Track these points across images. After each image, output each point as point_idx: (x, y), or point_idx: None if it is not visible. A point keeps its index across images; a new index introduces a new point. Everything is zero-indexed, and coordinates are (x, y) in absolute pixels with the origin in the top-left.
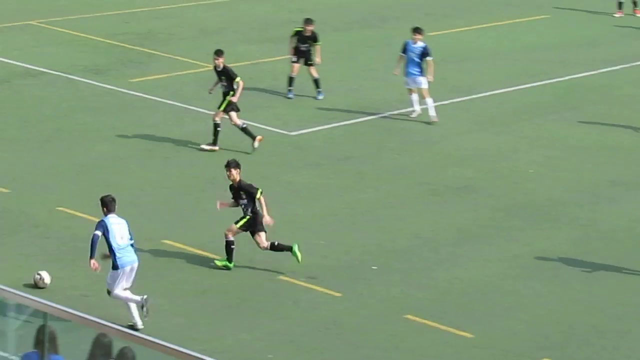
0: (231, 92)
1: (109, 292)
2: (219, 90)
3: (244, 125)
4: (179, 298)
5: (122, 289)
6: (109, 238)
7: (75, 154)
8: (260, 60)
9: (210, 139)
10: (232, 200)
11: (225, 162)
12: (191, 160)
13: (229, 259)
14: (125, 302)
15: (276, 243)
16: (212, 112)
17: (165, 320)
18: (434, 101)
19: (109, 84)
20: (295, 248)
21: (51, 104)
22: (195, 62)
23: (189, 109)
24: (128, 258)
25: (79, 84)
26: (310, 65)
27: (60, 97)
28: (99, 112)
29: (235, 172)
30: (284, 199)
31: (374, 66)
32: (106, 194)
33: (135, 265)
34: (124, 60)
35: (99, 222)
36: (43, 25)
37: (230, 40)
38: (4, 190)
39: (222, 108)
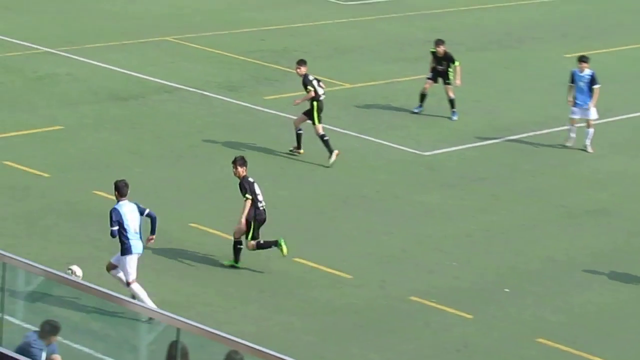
0: (315, 102)
1: (127, 284)
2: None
3: (326, 138)
4: (310, 316)
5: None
6: (123, 225)
7: (209, 171)
8: (396, 80)
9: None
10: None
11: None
12: (324, 178)
13: (236, 259)
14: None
15: (261, 241)
16: (346, 131)
17: (296, 338)
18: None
19: (243, 101)
20: (282, 241)
21: (185, 120)
22: (330, 80)
23: (324, 127)
24: (138, 246)
25: (213, 101)
26: (448, 84)
27: (195, 114)
28: (232, 129)
29: (241, 170)
30: (416, 219)
31: (509, 87)
32: (120, 179)
33: (140, 254)
34: (258, 77)
35: (113, 212)
36: (179, 41)
37: (365, 59)
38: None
39: (316, 121)
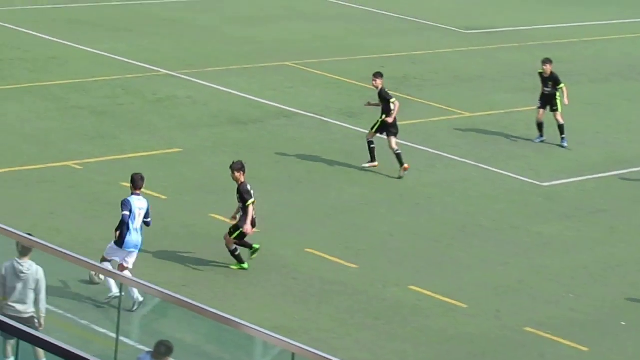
0: (384, 115)
1: (102, 260)
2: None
3: (399, 152)
4: (424, 345)
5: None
6: (131, 217)
7: (326, 196)
8: (515, 109)
9: (370, 155)
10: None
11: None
12: (442, 207)
13: (240, 262)
14: (106, 280)
15: (237, 252)
16: (464, 160)
17: None
18: None
19: (361, 127)
20: (256, 246)
21: (304, 145)
22: (449, 109)
23: (441, 155)
24: (134, 241)
25: (332, 127)
26: (555, 111)
27: (313, 139)
28: (350, 155)
29: (238, 175)
30: (533, 249)
31: (631, 119)
32: (137, 172)
33: (137, 251)
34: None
35: (125, 202)
36: (298, 66)
37: (485, 88)
38: (253, 229)
39: (374, 129)
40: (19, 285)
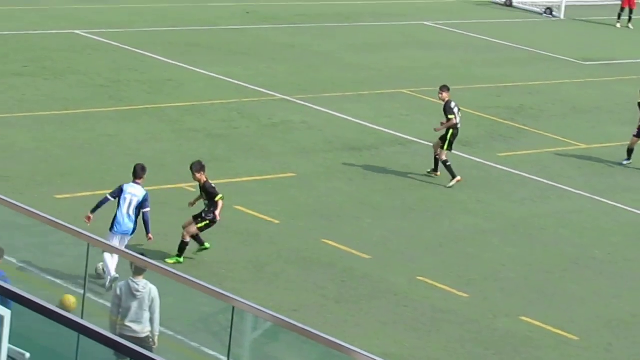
0: (451, 129)
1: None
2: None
3: (439, 156)
4: None
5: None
6: (119, 202)
7: (439, 225)
8: None
9: (451, 175)
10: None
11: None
12: (555, 238)
13: (179, 255)
14: (104, 264)
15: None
16: (579, 192)
17: None
18: None
19: (476, 157)
20: (207, 245)
21: (417, 173)
22: (565, 140)
23: (556, 186)
24: (123, 227)
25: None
26: None
27: (427, 167)
28: (465, 184)
29: (199, 175)
30: None
31: None
32: (139, 163)
33: (127, 237)
34: (493, 133)
35: (117, 187)
36: (414, 94)
37: (602, 120)
38: (365, 256)
39: (445, 147)
40: (135, 304)
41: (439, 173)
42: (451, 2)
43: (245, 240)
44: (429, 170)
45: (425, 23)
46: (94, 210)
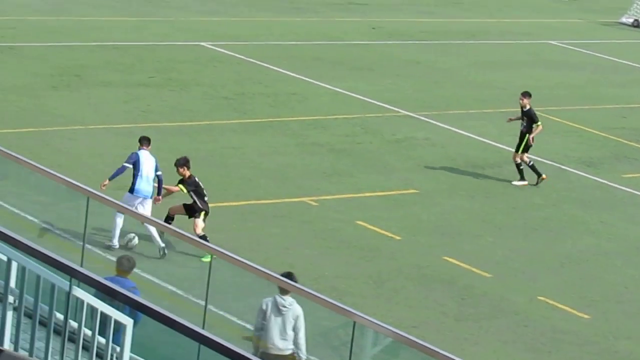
0: (527, 136)
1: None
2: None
3: (522, 167)
4: None
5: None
6: (138, 167)
7: (561, 245)
8: None
9: (520, 175)
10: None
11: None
12: None
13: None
14: (115, 225)
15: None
16: None
17: None
18: None
19: (600, 178)
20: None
21: (540, 193)
22: None
23: None
24: (144, 189)
25: (570, 175)
26: None
27: (551, 187)
28: (587, 204)
29: (182, 170)
30: None
31: None
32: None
33: (148, 199)
34: (618, 155)
35: (132, 154)
36: (539, 113)
37: None
38: (486, 274)
39: (520, 150)
40: (279, 320)
41: (544, 176)
42: (577, 22)
43: (366, 256)
44: (535, 182)
45: (550, 42)
46: (111, 178)
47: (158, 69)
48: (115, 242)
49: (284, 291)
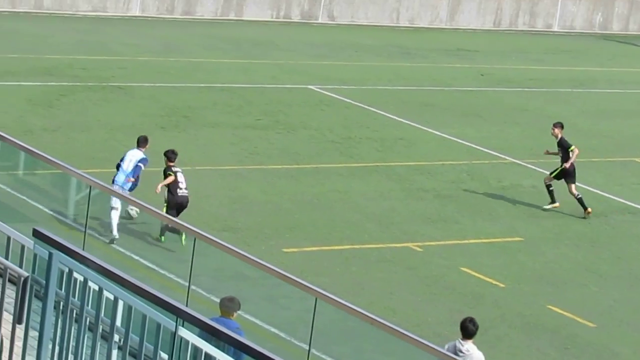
0: (564, 164)
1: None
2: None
3: (579, 196)
4: None
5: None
6: (121, 161)
7: None
8: None
9: (551, 198)
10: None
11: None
12: None
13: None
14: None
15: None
16: None
17: None
18: None
19: None
20: (183, 237)
21: None
22: None
23: None
24: (119, 180)
25: None
26: None
27: None
28: None
29: (166, 159)
30: None
31: None
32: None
33: (121, 189)
34: None
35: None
36: None
37: None
38: (590, 324)
39: (553, 174)
40: None
41: (589, 209)
42: None
43: (470, 302)
44: (547, 205)
45: None
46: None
47: (265, 111)
48: (115, 234)
49: (465, 337)
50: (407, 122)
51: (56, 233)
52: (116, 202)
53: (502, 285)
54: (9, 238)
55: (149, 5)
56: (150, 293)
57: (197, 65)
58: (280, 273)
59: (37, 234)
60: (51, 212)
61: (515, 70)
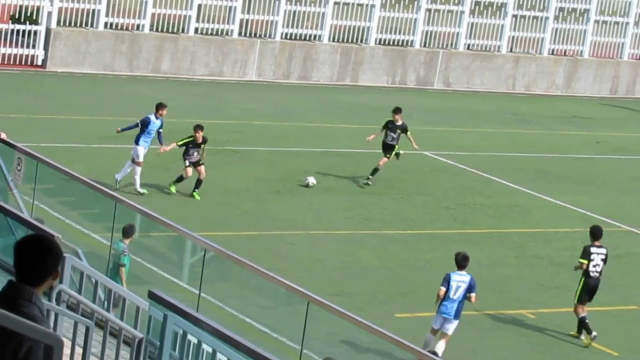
0: (583, 279)
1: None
2: None
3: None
4: None
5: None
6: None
7: None
8: None
9: None
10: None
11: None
12: None
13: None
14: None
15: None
16: None
17: None
18: None
19: None
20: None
21: None
22: None
23: None
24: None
25: None
26: None
27: None
28: None
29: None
30: None
31: None
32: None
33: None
34: None
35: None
36: None
37: None
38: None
39: (576, 300)
40: None
41: (595, 333)
42: None
43: None
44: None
45: None
46: (123, 130)
47: (380, 178)
48: (119, 177)
49: None
50: (521, 189)
51: (171, 295)
52: (139, 158)
53: (615, 354)
54: (124, 299)
55: (265, 70)
56: (264, 356)
57: (311, 130)
58: (393, 338)
59: (152, 296)
60: (166, 275)
61: (632, 138)
